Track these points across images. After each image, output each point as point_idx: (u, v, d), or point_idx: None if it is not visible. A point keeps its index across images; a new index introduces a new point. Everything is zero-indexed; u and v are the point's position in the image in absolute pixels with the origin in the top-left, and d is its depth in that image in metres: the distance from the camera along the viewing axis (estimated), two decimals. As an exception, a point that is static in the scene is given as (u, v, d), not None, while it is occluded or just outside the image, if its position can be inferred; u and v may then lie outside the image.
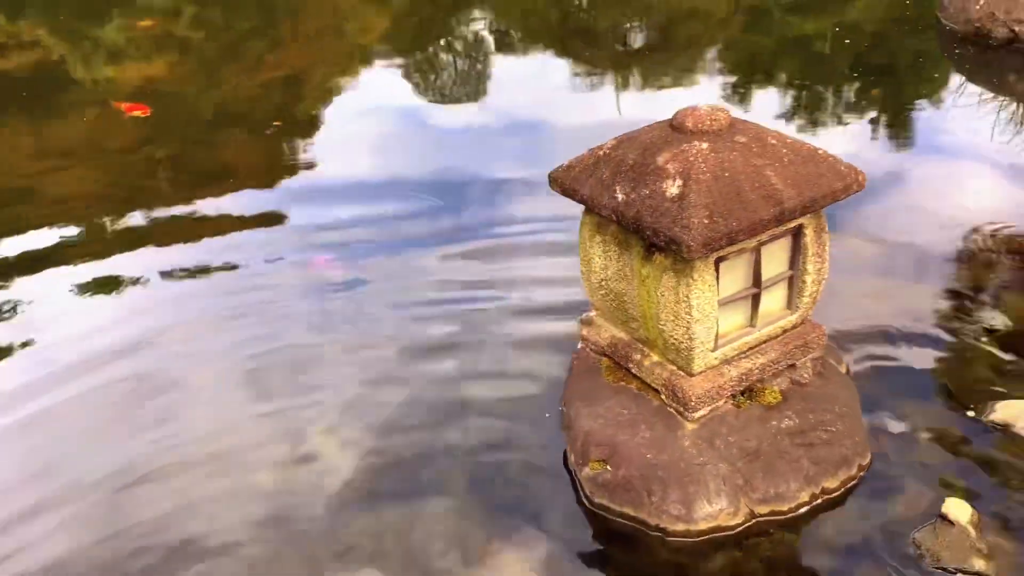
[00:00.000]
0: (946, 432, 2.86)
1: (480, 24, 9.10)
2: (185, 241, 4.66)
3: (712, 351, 2.56)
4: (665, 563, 2.51)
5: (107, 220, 4.98)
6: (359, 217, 4.72)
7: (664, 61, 7.39)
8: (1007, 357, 3.20)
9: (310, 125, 6.57)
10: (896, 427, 2.90)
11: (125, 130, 6.43)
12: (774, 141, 2.46)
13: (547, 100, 6.49)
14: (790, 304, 2.71)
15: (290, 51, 8.71)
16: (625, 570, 2.55)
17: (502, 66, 7.70)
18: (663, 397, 2.68)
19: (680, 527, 2.52)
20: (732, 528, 2.53)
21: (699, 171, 2.33)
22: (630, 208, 2.41)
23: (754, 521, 2.55)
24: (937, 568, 2.36)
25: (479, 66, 7.89)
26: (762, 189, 2.34)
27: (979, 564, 2.34)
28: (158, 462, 3.03)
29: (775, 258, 2.59)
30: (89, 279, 4.30)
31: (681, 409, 2.62)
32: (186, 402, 3.36)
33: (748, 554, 2.51)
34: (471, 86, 7.43)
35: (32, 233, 4.82)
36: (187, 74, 7.91)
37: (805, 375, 2.80)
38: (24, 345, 3.78)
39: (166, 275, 4.31)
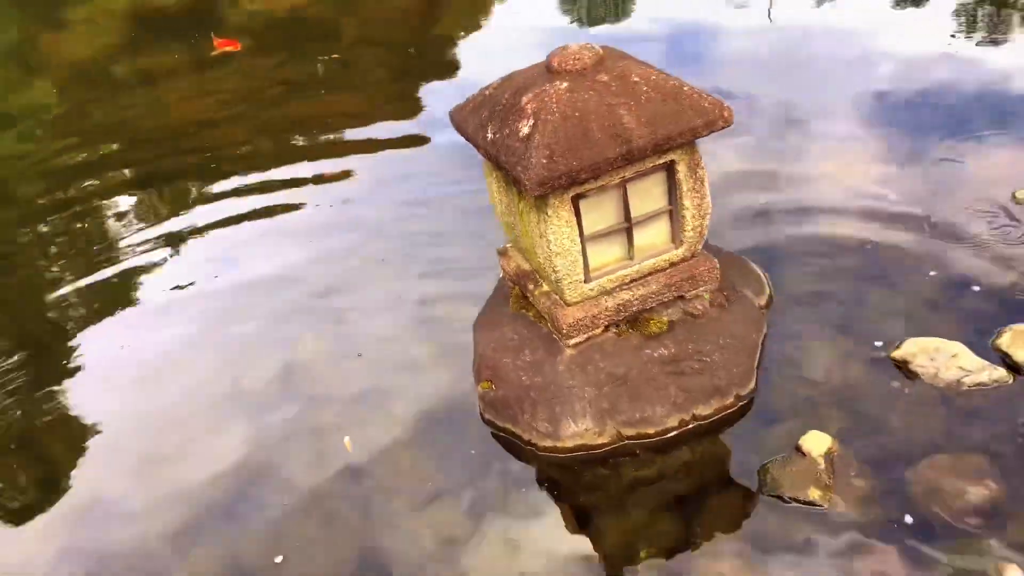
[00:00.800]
0: (844, 366, 2.86)
1: None
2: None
3: (585, 283, 2.69)
4: (538, 474, 2.73)
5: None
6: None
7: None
8: (947, 294, 3.10)
9: (447, 47, 6.77)
10: (795, 358, 2.92)
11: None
12: (637, 79, 2.50)
13: (683, 17, 6.34)
14: (674, 238, 2.77)
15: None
16: (505, 478, 2.78)
17: None
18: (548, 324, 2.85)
19: (548, 443, 2.72)
20: (599, 447, 2.70)
21: (549, 111, 2.42)
22: (493, 147, 2.55)
23: (622, 443, 2.71)
24: (772, 496, 2.45)
25: None
26: (611, 128, 2.41)
27: (815, 495, 2.41)
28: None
29: (649, 194, 2.65)
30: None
31: (558, 336, 2.78)
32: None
33: (613, 472, 2.68)
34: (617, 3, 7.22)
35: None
36: (321, 4, 8.25)
37: (699, 307, 2.87)
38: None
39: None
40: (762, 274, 3.24)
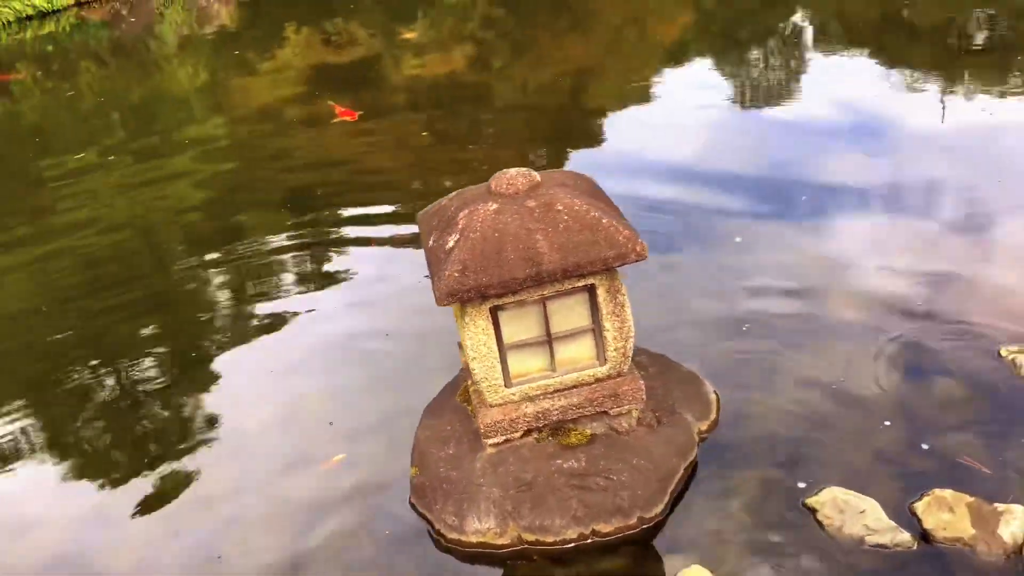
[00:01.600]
0: (762, 505, 2.85)
1: (793, 19, 9.03)
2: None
3: (506, 387, 2.85)
4: (442, 563, 2.87)
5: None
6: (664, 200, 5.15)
7: (998, 64, 6.89)
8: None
9: (597, 116, 7.12)
10: (718, 488, 2.93)
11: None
12: (561, 208, 2.66)
13: (861, 102, 6.37)
14: (598, 356, 2.89)
15: (579, 47, 9.23)
16: (414, 558, 2.93)
17: (817, 63, 7.64)
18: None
19: (454, 536, 2.86)
20: (499, 547, 2.82)
21: (473, 229, 2.63)
22: (429, 254, 2.79)
23: (521, 547, 2.81)
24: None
25: (792, 63, 7.81)
26: (525, 251, 2.59)
27: (677, 631, 2.43)
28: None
29: (572, 312, 2.79)
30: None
31: (480, 434, 2.94)
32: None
33: (509, 573, 2.78)
34: (782, 83, 7.35)
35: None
36: (479, 68, 9.07)
37: (624, 424, 2.96)
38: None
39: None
40: (714, 397, 3.28)
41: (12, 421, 3.99)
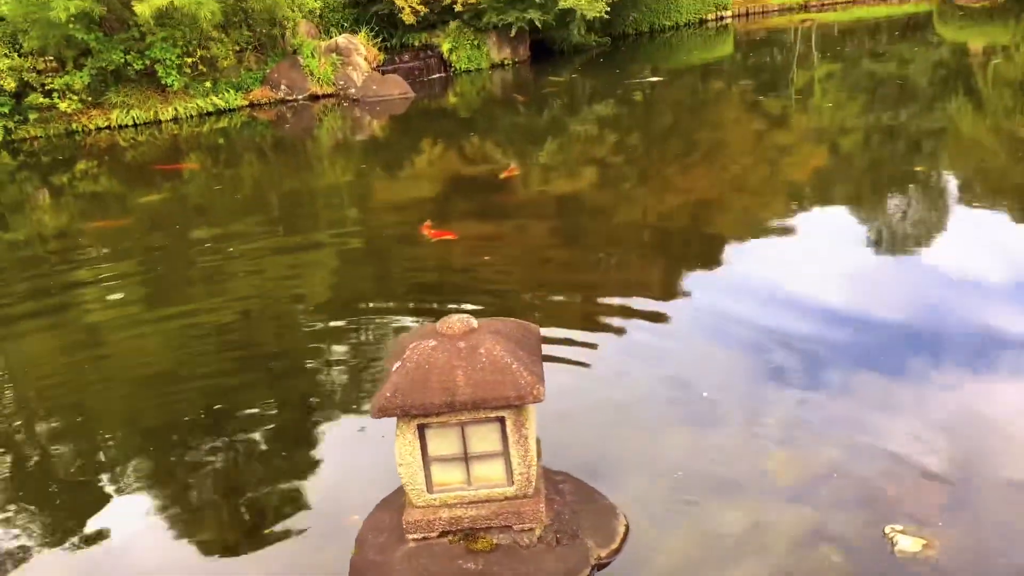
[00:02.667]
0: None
1: (932, 171, 9.05)
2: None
3: (428, 492, 3.44)
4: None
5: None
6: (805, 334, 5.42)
7: None
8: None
9: (719, 244, 7.33)
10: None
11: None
12: (483, 352, 3.30)
13: (1008, 255, 6.42)
14: (508, 478, 3.44)
15: (706, 180, 9.63)
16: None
17: (959, 217, 7.59)
18: (408, 517, 3.61)
19: (369, 609, 3.44)
20: (402, 625, 3.36)
21: (411, 360, 3.31)
22: (384, 375, 3.48)
23: (421, 629, 3.35)
24: None
25: (931, 213, 7.75)
26: (446, 383, 3.23)
27: None
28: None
29: (486, 437, 3.38)
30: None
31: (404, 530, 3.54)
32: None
33: (406, 650, 3.31)
34: (919, 231, 7.30)
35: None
36: (604, 190, 9.71)
37: (526, 539, 3.47)
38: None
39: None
40: (623, 529, 3.72)
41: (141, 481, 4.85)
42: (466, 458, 3.42)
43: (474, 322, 3.46)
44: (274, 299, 7.17)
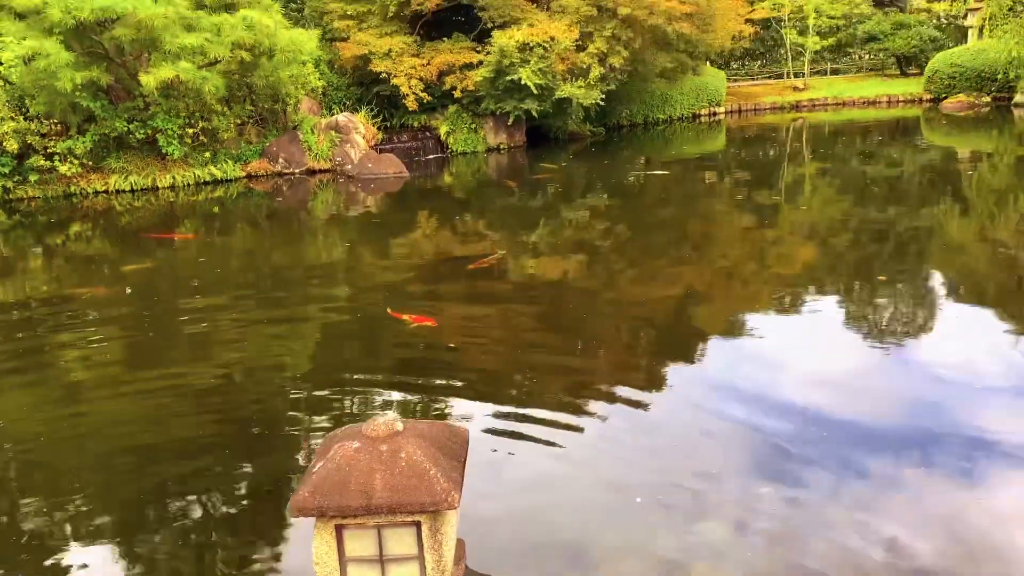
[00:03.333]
0: None
1: (921, 272, 9.10)
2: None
3: (345, 592, 3.32)
4: None
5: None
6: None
7: None
8: None
9: (703, 338, 7.23)
10: None
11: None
12: (403, 456, 3.25)
13: (999, 356, 6.36)
14: (423, 580, 3.32)
15: (694, 272, 9.72)
16: None
17: (947, 316, 7.53)
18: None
19: None
20: None
21: (333, 460, 3.26)
22: (304, 473, 3.40)
23: None
24: None
25: (921, 313, 7.67)
26: (364, 486, 3.17)
27: None
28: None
29: (403, 541, 3.30)
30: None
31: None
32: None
33: None
34: (908, 330, 7.23)
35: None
36: (591, 275, 9.67)
37: (446, 636, 3.31)
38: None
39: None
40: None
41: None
42: (382, 560, 3.33)
43: (399, 425, 3.42)
44: (256, 367, 7.08)
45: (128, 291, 9.72)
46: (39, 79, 14.88)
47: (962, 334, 7.07)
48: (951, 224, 11.54)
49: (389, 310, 8.10)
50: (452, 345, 7.19)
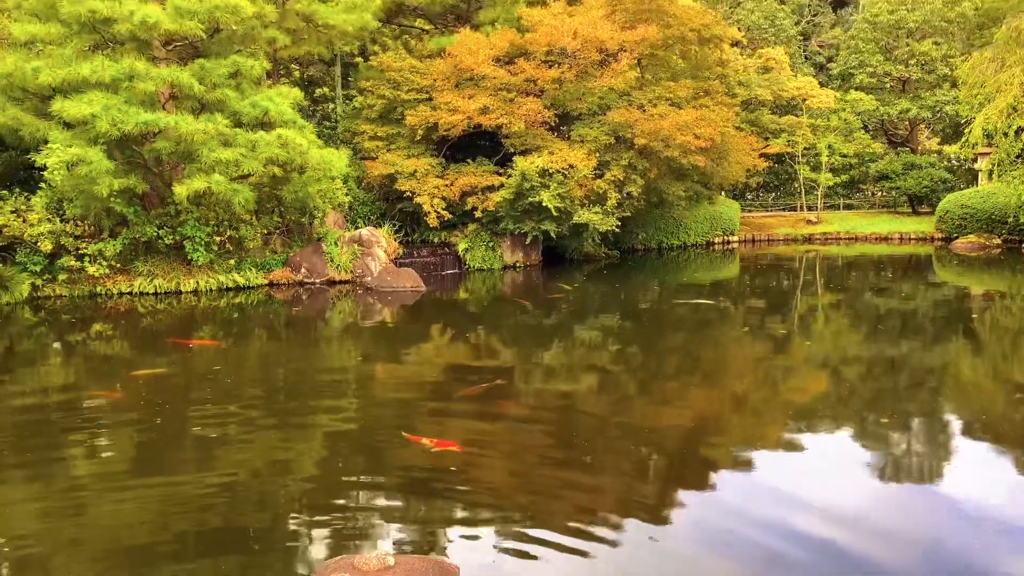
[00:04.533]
0: None
1: (936, 409, 9.06)
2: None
3: None
4: None
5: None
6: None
7: None
8: None
9: (713, 463, 7.23)
10: None
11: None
12: None
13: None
14: None
15: (704, 397, 9.74)
16: None
17: (962, 454, 7.52)
18: None
19: None
20: None
21: None
22: None
23: None
24: None
25: (935, 450, 7.65)
26: None
27: None
28: None
29: None
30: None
31: None
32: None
33: None
34: (922, 465, 7.20)
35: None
36: (601, 397, 9.69)
37: None
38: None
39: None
40: None
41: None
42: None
43: (391, 560, 3.46)
44: (261, 477, 7.07)
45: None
46: (79, 184, 15.53)
47: (978, 475, 6.99)
48: (965, 363, 11.54)
49: (406, 434, 7.91)
50: (454, 468, 7.14)
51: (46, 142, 15.49)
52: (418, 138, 22.30)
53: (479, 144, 23.18)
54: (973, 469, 7.13)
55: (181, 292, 17.28)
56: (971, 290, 19.10)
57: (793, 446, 7.75)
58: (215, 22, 16.48)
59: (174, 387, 10.36)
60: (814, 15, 49.42)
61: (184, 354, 12.31)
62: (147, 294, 17.14)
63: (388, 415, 9.01)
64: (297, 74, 30.33)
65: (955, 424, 8.57)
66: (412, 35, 28.55)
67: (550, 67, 21.76)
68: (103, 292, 17.07)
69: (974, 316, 15.36)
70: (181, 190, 15.68)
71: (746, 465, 7.25)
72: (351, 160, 21.32)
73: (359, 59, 27.71)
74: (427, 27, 27.60)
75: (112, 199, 15.78)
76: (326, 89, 31.03)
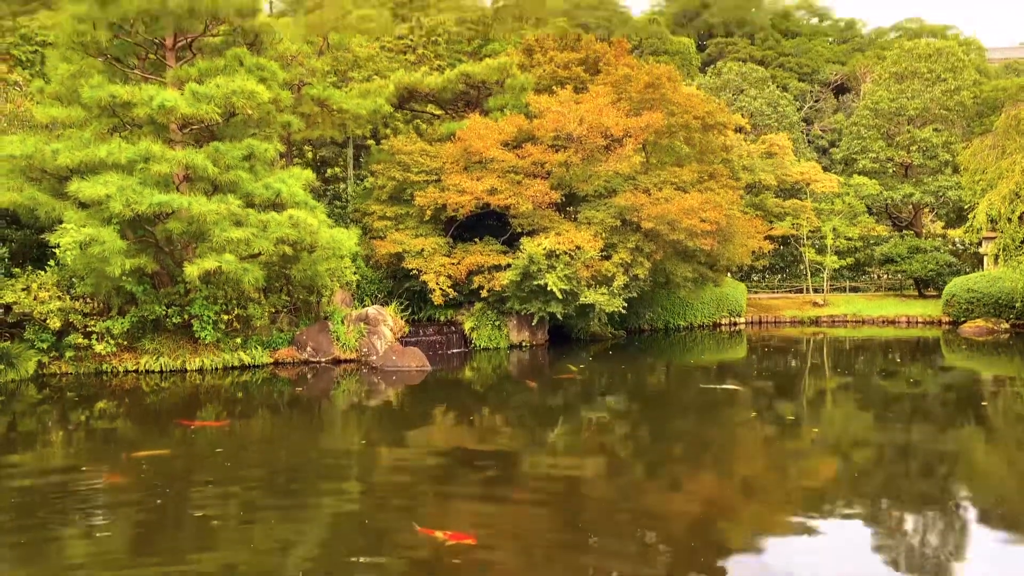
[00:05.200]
0: None
1: (951, 500, 8.88)
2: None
3: None
4: None
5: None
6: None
7: None
8: None
9: (723, 552, 7.06)
10: None
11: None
12: None
13: None
14: None
15: (712, 482, 9.57)
16: None
17: (977, 544, 7.37)
18: None
19: None
20: None
21: None
22: None
23: None
24: None
25: (949, 539, 7.51)
26: None
27: None
28: None
29: None
30: None
31: None
32: None
33: None
34: (938, 558, 7.01)
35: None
36: (608, 480, 9.57)
37: None
38: None
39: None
40: None
41: None
42: None
43: None
44: (258, 562, 6.93)
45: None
46: (91, 263, 15.70)
47: (994, 563, 6.81)
48: (978, 449, 11.36)
49: (418, 527, 7.64)
50: (457, 561, 6.97)
51: (60, 221, 15.75)
52: (426, 218, 22.61)
53: (487, 223, 23.46)
54: (989, 558, 6.95)
55: (186, 370, 17.27)
56: (981, 375, 18.93)
57: (802, 533, 7.59)
58: (231, 107, 16.94)
59: (176, 468, 10.25)
60: (816, 101, 50.60)
61: (187, 435, 12.23)
62: (153, 372, 17.13)
63: (393, 501, 8.86)
64: (310, 155, 30.98)
65: (970, 512, 8.39)
66: (423, 119, 29.27)
67: (557, 151, 22.21)
68: (109, 370, 17.07)
69: (984, 403, 15.18)
70: (192, 269, 15.83)
71: (756, 551, 7.09)
72: (360, 239, 21.59)
73: (371, 142, 28.34)
74: (438, 112, 28.31)
75: (123, 278, 15.94)
76: (338, 169, 31.66)
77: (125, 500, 8.74)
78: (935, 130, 36.72)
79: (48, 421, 13.37)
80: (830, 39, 58.21)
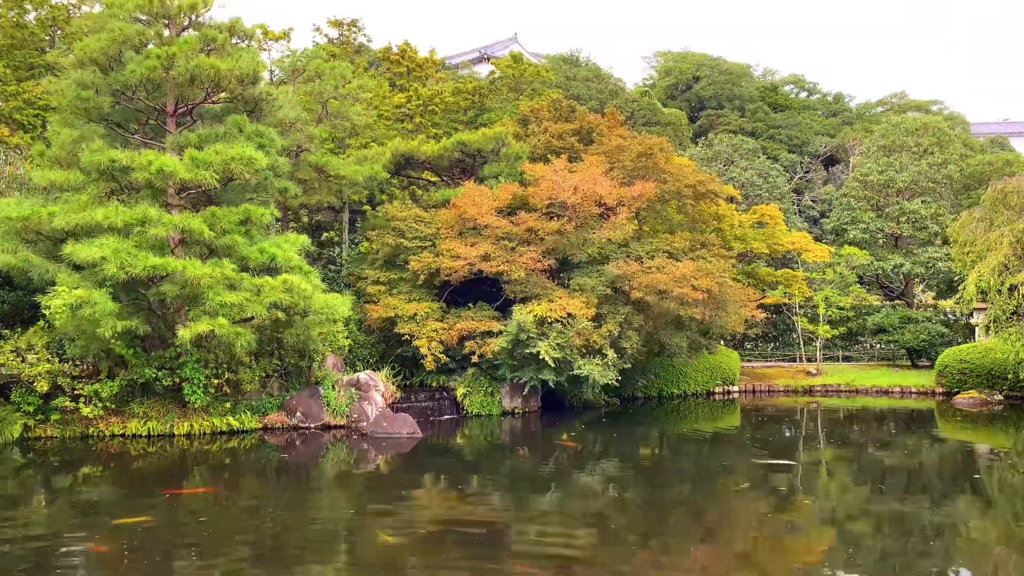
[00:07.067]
0: None
1: (947, 567, 8.81)
2: None
3: None
4: None
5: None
6: None
7: None
8: None
9: None
10: None
11: None
12: None
13: None
14: None
15: (709, 555, 9.45)
16: None
17: None
18: None
19: None
20: None
21: None
22: None
23: None
24: None
25: None
26: None
27: None
28: None
29: None
30: None
31: None
32: None
33: None
34: None
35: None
36: (601, 554, 9.37)
37: None
38: None
39: None
40: None
41: None
42: None
43: None
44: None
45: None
46: (81, 324, 15.63)
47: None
48: (973, 522, 11.21)
49: None
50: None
51: (54, 283, 15.75)
52: (420, 282, 22.67)
53: (480, 289, 23.51)
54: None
55: (174, 435, 17.04)
56: (975, 446, 18.81)
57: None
58: (229, 172, 17.13)
59: (160, 537, 10.03)
60: (806, 172, 51.41)
61: (172, 502, 12.00)
62: (140, 436, 16.90)
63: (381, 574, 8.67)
64: (306, 219, 31.19)
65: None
66: (419, 186, 29.61)
67: (551, 219, 22.43)
68: (95, 434, 16.83)
69: (981, 473, 15.04)
70: (185, 332, 15.76)
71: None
72: (353, 303, 21.59)
73: (367, 207, 28.58)
74: (433, 179, 28.66)
75: (114, 340, 15.85)
76: (333, 234, 31.87)
77: (104, 570, 8.53)
78: (924, 202, 37.27)
79: (31, 487, 13.11)
80: (819, 112, 59.48)
